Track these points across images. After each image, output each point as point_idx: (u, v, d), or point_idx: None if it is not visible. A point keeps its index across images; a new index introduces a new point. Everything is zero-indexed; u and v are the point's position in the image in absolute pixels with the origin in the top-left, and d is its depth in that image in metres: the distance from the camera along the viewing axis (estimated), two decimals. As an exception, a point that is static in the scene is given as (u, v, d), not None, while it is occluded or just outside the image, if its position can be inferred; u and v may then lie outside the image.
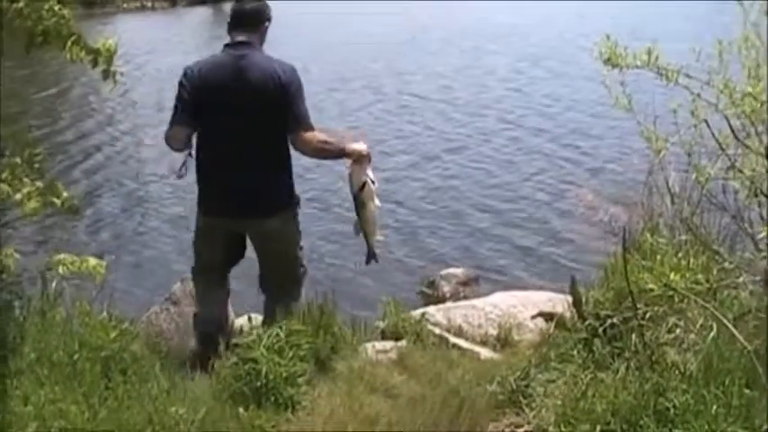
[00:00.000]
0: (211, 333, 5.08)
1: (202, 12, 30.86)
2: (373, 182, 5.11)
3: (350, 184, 5.13)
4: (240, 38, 5.04)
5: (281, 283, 5.32)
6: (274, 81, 4.90)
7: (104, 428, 3.87)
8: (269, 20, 5.19)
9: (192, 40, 23.85)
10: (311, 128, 4.96)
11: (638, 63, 3.90)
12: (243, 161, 4.98)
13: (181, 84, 5.03)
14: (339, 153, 5.08)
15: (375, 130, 13.31)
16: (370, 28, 25.47)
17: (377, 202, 5.18)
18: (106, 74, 4.36)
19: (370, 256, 5.37)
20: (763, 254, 3.92)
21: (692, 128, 3.87)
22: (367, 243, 5.30)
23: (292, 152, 5.11)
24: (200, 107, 4.96)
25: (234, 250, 5.35)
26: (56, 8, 4.13)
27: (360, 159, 5.07)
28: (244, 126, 4.95)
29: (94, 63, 4.31)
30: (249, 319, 5.31)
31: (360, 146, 5.08)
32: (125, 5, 30.30)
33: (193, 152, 5.11)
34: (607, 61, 3.97)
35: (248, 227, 5.22)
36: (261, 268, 5.38)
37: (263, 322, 5.22)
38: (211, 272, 5.36)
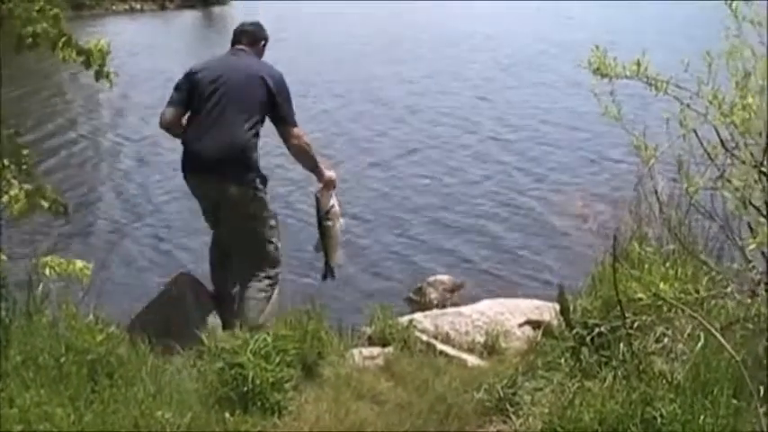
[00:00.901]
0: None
1: (191, 15, 30.80)
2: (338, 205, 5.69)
3: (317, 206, 5.66)
4: (239, 46, 5.74)
5: (248, 255, 5.68)
6: (262, 79, 5.49)
7: (90, 432, 3.86)
8: (265, 39, 5.89)
9: (179, 44, 23.80)
10: (296, 125, 5.59)
11: (628, 73, 3.91)
12: (217, 130, 5.43)
13: (184, 74, 5.68)
14: (314, 164, 5.70)
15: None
16: (358, 29, 25.45)
17: (342, 221, 5.75)
18: (99, 74, 4.37)
19: (329, 272, 5.89)
20: (752, 265, 3.93)
21: (680, 138, 3.87)
22: (327, 260, 5.82)
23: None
24: (192, 90, 5.54)
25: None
26: (46, 9, 4.11)
27: (329, 185, 5.66)
28: (225, 104, 5.44)
29: (87, 64, 4.31)
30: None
31: (331, 173, 5.72)
32: (114, 8, 30.21)
33: None
34: (596, 71, 3.97)
35: (215, 191, 5.56)
36: (229, 241, 5.80)
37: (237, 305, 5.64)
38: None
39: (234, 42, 5.79)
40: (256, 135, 5.54)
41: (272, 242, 5.70)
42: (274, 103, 5.49)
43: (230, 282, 5.88)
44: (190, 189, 5.78)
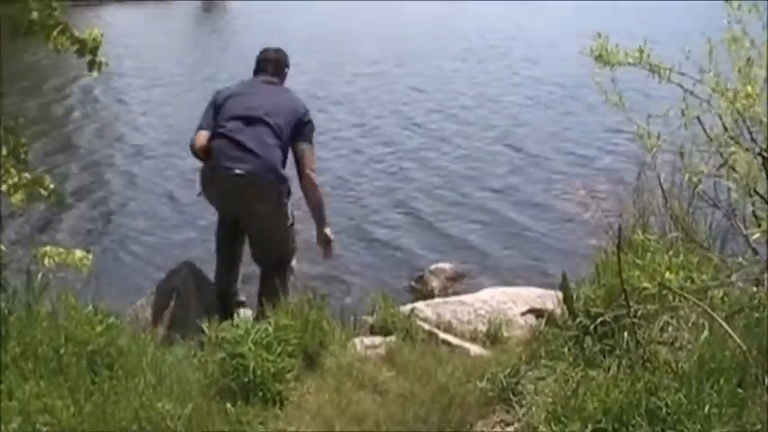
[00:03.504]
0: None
1: (191, 5, 30.69)
2: None
3: None
4: (267, 77, 5.96)
5: (270, 259, 5.91)
6: (296, 109, 5.78)
7: (90, 424, 3.83)
8: (287, 66, 6.12)
9: (176, 35, 23.81)
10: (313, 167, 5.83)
11: (630, 60, 3.88)
12: (251, 152, 5.53)
13: (212, 97, 5.92)
14: (322, 215, 5.92)
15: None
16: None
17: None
18: (92, 64, 4.34)
19: None
20: (758, 258, 3.91)
21: (683, 126, 3.85)
22: None
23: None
24: (220, 112, 5.72)
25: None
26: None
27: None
28: (259, 129, 5.60)
29: (80, 53, 4.29)
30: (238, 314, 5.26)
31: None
32: (112, -3, 30.08)
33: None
34: (598, 58, 3.94)
35: (242, 207, 5.70)
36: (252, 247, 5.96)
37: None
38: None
39: (260, 69, 6.03)
40: (285, 157, 5.73)
41: (292, 244, 5.94)
42: (302, 132, 5.74)
43: (234, 281, 6.01)
44: (211, 202, 5.93)
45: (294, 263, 6.06)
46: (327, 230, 5.94)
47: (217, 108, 5.77)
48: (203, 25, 27.40)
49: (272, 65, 6.03)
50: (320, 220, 5.91)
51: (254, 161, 5.50)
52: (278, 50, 6.14)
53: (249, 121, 5.63)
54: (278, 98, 5.82)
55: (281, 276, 5.77)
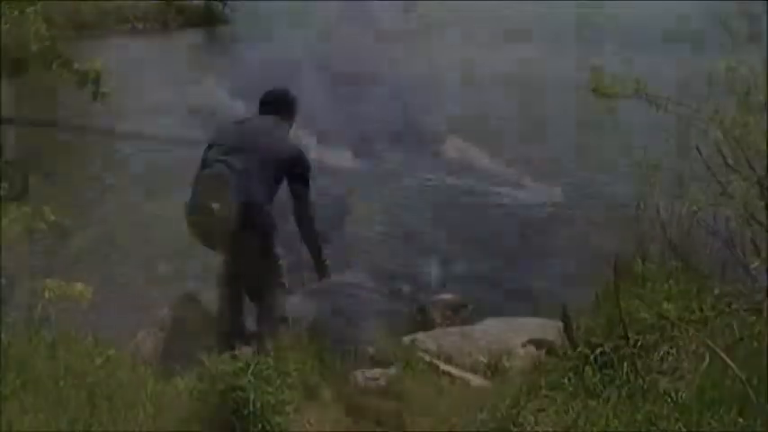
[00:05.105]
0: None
1: (193, 35, 30.79)
2: None
3: None
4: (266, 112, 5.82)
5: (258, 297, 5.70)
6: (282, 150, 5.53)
7: (89, 457, 3.82)
8: (289, 104, 5.93)
9: (180, 65, 23.92)
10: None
11: (628, 92, 3.90)
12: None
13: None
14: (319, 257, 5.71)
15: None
16: None
17: None
18: (95, 95, 4.37)
19: None
20: (757, 286, 3.91)
21: (681, 154, 3.87)
22: None
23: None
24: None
25: None
26: (42, 30, 4.11)
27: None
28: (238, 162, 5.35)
29: (81, 84, 4.31)
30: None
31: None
32: (116, 27, 30.20)
33: None
34: (595, 91, 3.97)
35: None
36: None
37: None
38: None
39: (261, 105, 5.87)
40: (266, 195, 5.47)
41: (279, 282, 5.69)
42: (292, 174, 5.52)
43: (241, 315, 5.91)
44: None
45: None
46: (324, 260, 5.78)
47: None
48: (203, 56, 27.48)
49: (274, 104, 5.90)
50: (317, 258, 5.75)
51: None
52: (282, 91, 6.03)
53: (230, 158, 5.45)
54: (261, 137, 5.61)
55: (265, 307, 5.60)
